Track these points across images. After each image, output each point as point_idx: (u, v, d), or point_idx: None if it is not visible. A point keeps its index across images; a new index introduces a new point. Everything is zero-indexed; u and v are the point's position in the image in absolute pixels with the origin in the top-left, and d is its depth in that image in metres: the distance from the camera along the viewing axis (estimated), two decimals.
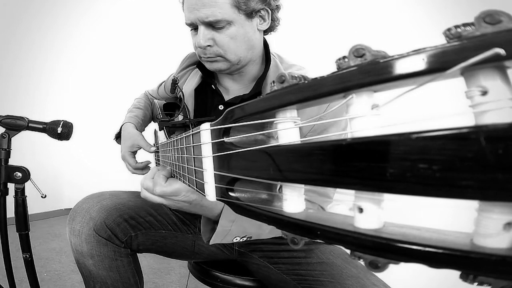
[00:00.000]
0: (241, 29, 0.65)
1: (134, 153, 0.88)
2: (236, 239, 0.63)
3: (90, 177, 2.66)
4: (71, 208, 0.75)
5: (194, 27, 0.67)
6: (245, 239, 0.64)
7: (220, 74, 0.80)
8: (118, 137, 0.97)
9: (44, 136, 0.80)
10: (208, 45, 0.66)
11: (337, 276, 0.62)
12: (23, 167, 0.77)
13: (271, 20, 0.71)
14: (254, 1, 0.65)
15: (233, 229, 0.60)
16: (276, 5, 0.71)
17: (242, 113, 0.25)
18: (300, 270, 0.67)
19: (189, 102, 0.80)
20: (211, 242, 0.61)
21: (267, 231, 0.64)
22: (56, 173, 2.67)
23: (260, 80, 0.74)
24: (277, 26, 0.75)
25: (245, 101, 0.25)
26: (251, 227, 0.61)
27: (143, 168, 0.85)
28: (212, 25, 0.64)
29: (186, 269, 1.72)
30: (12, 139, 0.77)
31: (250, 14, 0.65)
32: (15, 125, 0.76)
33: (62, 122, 0.79)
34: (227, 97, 0.79)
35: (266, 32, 0.75)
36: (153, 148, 0.82)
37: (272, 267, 0.73)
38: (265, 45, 0.76)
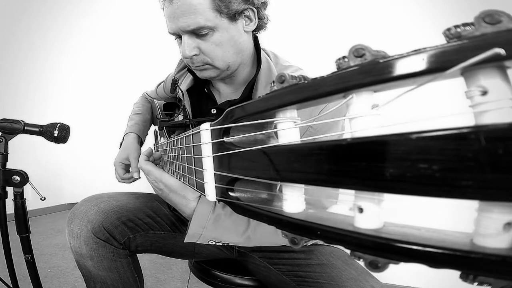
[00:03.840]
0: (225, 34, 0.62)
1: (127, 165, 0.90)
2: (212, 242, 0.62)
3: (91, 172, 2.67)
4: (73, 203, 0.75)
5: (178, 36, 0.65)
6: (221, 243, 0.63)
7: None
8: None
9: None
10: (194, 54, 0.64)
11: (336, 278, 0.61)
12: (21, 170, 0.75)
13: (258, 18, 0.68)
14: (236, 2, 0.61)
15: (205, 234, 0.59)
16: (262, 2, 0.67)
17: (242, 113, 0.25)
18: (300, 272, 0.67)
19: (186, 103, 0.80)
20: (185, 241, 0.61)
21: (242, 240, 0.62)
22: (57, 168, 2.67)
23: (251, 84, 0.71)
24: (266, 24, 0.71)
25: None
26: (222, 235, 0.60)
27: (129, 178, 0.90)
28: (195, 33, 0.61)
29: (187, 264, 1.73)
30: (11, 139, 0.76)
31: (233, 16, 0.62)
32: (11, 128, 0.74)
33: (58, 124, 0.76)
34: (219, 101, 0.78)
35: (255, 31, 0.71)
36: (136, 175, 0.86)
37: (272, 267, 0.72)
38: (257, 45, 0.73)
